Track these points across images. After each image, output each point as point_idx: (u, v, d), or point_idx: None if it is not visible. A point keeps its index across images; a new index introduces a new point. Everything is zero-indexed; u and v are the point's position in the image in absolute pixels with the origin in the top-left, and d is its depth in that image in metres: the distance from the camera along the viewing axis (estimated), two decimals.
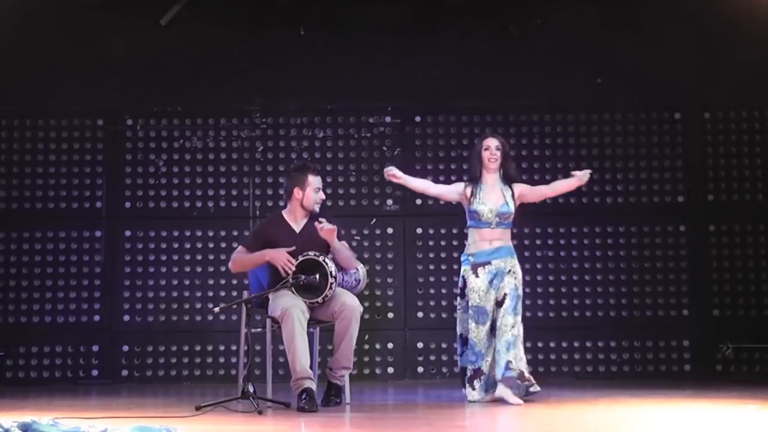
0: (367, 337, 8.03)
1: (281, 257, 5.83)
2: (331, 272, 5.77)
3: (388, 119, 8.43)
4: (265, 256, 5.92)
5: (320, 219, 5.91)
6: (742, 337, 8.13)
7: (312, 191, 6.05)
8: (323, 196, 6.14)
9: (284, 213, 6.16)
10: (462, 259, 6.26)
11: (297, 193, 6.05)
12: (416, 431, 4.88)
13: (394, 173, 6.29)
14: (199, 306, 8.17)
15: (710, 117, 8.44)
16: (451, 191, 6.39)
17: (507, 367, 5.90)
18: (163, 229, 8.26)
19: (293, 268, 5.80)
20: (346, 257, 5.99)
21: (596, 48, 8.35)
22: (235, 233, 8.21)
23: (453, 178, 8.24)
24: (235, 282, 8.12)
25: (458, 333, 6.25)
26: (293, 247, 5.87)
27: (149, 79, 8.37)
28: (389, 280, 8.25)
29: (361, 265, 6.17)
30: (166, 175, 8.32)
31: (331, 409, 5.75)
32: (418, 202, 8.25)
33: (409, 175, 6.43)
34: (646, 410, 5.62)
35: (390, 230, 8.30)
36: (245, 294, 6.20)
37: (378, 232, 8.28)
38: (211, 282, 8.21)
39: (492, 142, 6.27)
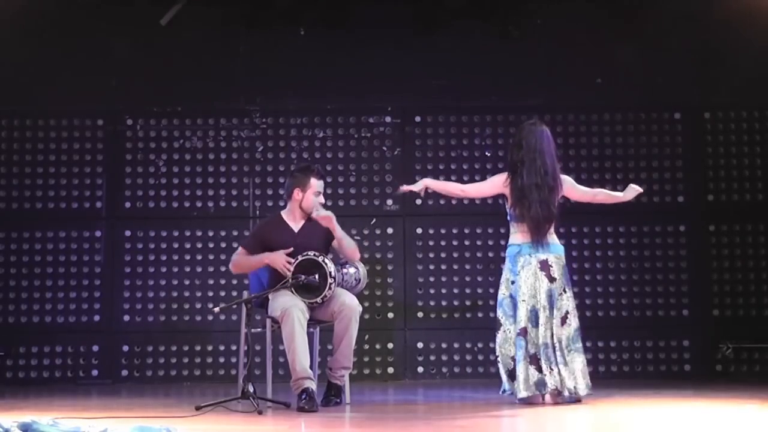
0: (367, 337, 8.03)
1: (280, 260, 5.86)
2: (330, 272, 5.77)
3: (388, 119, 8.43)
4: (265, 260, 5.94)
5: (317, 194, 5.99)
6: (742, 337, 8.13)
7: (312, 194, 6.06)
8: (323, 200, 6.13)
9: (283, 213, 6.18)
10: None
11: (297, 194, 6.06)
12: (416, 431, 4.88)
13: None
14: (199, 306, 8.17)
15: (710, 117, 8.44)
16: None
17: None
18: (163, 229, 8.27)
19: (292, 269, 5.81)
20: (350, 247, 6.02)
21: (596, 48, 8.34)
22: (235, 233, 8.21)
23: (453, 178, 8.26)
24: (235, 282, 8.12)
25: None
26: (291, 249, 5.88)
27: (149, 79, 8.37)
28: (389, 280, 8.25)
29: (361, 264, 6.18)
30: (166, 175, 8.32)
31: (331, 409, 5.75)
32: (418, 202, 8.25)
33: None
34: (646, 410, 5.62)
35: (390, 230, 8.30)
36: (245, 294, 6.21)
37: (378, 232, 8.28)
38: (211, 282, 8.21)
39: None
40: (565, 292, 5.97)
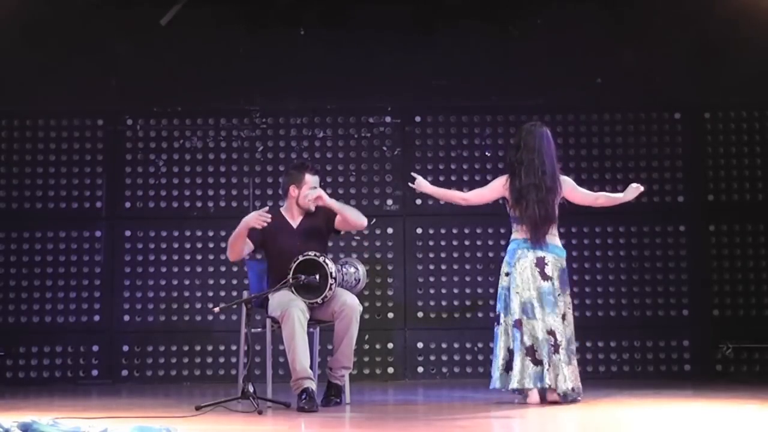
0: (367, 337, 8.03)
1: (253, 215, 5.82)
2: (330, 273, 5.77)
3: (388, 119, 8.43)
4: (243, 225, 5.85)
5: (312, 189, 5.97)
6: (742, 337, 8.13)
7: (307, 190, 6.06)
8: None
9: (282, 209, 6.20)
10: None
11: (293, 191, 6.08)
12: (416, 431, 4.88)
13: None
14: (199, 306, 8.17)
15: (710, 117, 8.44)
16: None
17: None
18: (163, 229, 8.27)
19: (267, 216, 5.79)
20: (352, 215, 6.03)
21: (596, 48, 8.34)
22: None
23: (453, 178, 8.26)
24: (235, 282, 8.13)
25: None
26: (269, 215, 5.84)
27: (149, 79, 8.37)
28: (389, 280, 8.25)
29: (361, 264, 6.19)
30: (166, 175, 8.32)
31: (331, 409, 5.75)
32: (418, 202, 8.25)
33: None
34: (646, 410, 5.62)
35: (390, 230, 8.30)
36: (245, 294, 6.20)
37: (378, 232, 8.28)
38: (211, 282, 8.21)
39: None
40: (562, 294, 5.97)
